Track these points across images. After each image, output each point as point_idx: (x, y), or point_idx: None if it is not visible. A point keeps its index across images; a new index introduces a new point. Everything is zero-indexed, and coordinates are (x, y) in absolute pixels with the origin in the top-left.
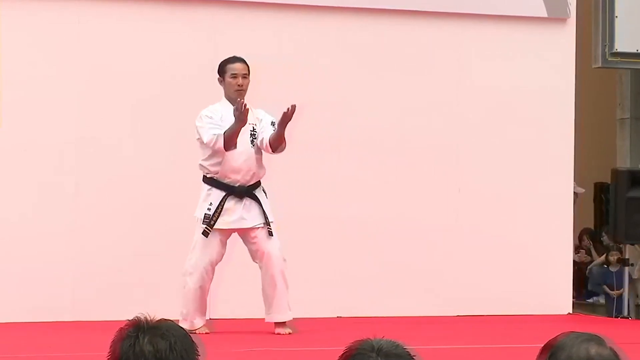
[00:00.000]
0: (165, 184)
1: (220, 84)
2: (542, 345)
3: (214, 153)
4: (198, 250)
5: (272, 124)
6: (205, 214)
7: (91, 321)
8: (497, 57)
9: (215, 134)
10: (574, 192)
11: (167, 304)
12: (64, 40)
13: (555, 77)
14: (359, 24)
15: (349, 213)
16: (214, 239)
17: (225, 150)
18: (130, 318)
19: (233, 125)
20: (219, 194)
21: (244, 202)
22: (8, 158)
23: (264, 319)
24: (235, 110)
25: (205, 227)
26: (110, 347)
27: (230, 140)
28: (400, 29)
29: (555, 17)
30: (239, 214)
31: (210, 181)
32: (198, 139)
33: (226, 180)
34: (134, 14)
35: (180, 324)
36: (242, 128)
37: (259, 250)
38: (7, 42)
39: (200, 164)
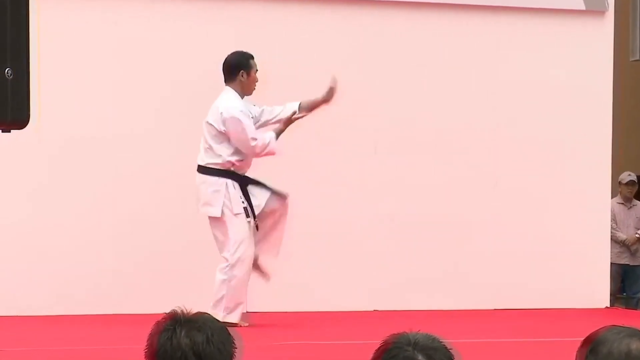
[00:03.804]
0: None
1: (241, 78)
2: (582, 339)
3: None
4: (245, 243)
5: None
6: (244, 207)
7: (131, 314)
8: (534, 50)
9: (266, 139)
10: (632, 180)
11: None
12: (100, 39)
13: (593, 70)
14: (394, 19)
15: (384, 207)
16: (250, 230)
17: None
18: (167, 311)
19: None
20: (239, 187)
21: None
22: (47, 153)
23: (299, 311)
24: (329, 95)
25: (255, 221)
26: (148, 340)
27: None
28: (435, 23)
29: (593, 9)
30: (257, 200)
31: (229, 174)
32: (224, 131)
33: (241, 172)
34: (166, 13)
35: (226, 319)
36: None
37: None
38: (45, 41)
39: (219, 157)
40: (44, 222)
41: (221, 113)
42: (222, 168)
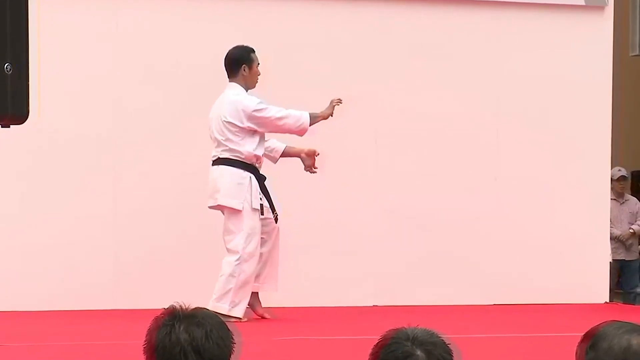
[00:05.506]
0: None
1: (243, 72)
2: (582, 334)
3: (262, 138)
4: (256, 239)
5: None
6: (261, 204)
7: (131, 309)
8: (534, 45)
9: (298, 113)
10: (623, 175)
11: (199, 292)
12: (100, 34)
13: (593, 65)
14: (396, 13)
15: (385, 202)
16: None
17: (303, 133)
18: (166, 307)
19: (321, 114)
20: (257, 183)
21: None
22: (47, 148)
23: (298, 307)
24: (333, 105)
25: (275, 213)
26: (146, 335)
27: (312, 125)
28: (439, 17)
29: (592, 4)
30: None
31: (251, 168)
32: (247, 127)
33: (257, 165)
34: (167, 9)
35: (231, 313)
36: None
37: (275, 228)
38: (45, 37)
39: (240, 153)
40: (42, 217)
41: (242, 110)
42: (247, 162)
